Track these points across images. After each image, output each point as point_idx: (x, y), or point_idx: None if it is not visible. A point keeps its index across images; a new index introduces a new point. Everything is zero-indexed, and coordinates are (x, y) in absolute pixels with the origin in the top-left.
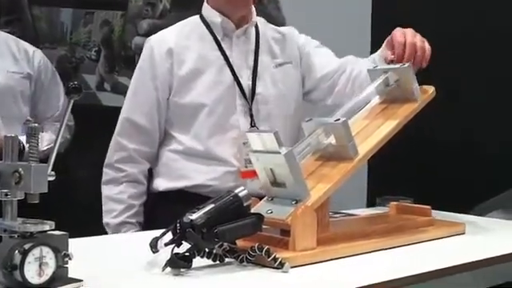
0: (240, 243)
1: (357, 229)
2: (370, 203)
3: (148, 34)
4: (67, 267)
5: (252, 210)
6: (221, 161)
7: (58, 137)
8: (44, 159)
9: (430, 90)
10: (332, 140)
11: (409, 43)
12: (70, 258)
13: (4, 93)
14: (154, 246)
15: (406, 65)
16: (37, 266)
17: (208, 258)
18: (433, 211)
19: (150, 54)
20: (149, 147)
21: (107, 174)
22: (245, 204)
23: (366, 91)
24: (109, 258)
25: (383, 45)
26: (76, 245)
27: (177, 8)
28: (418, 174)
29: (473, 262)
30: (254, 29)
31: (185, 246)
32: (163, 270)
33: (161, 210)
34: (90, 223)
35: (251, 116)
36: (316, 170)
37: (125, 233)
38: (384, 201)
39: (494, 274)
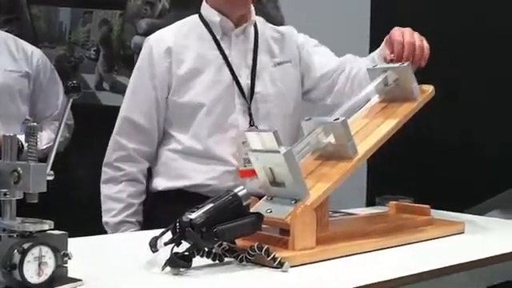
0: (239, 242)
1: (356, 228)
2: (370, 202)
3: (147, 33)
4: (66, 267)
5: (251, 210)
6: (220, 160)
7: (57, 136)
8: (43, 158)
9: (429, 89)
10: (331, 139)
11: (407, 42)
12: (69, 258)
13: (2, 91)
14: (153, 245)
15: (406, 64)
16: (36, 265)
17: (207, 257)
18: (432, 210)
19: (148, 53)
20: (148, 146)
21: (106, 173)
22: (244, 203)
23: (366, 90)
24: (108, 257)
25: (382, 44)
26: (75, 244)
27: (176, 7)
28: (417, 173)
29: (472, 262)
30: (252, 28)
31: (184, 246)
32: (163, 269)
33: (160, 209)
34: (90, 222)
35: (250, 115)
36: (315, 169)
37: (124, 232)
38: (383, 200)
39: (493, 274)
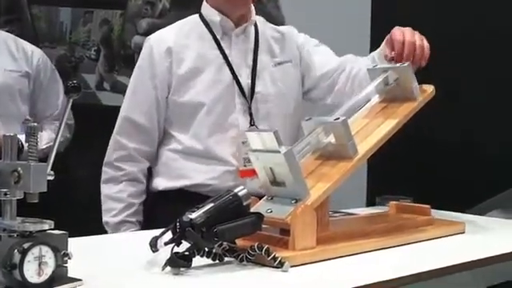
0: (239, 242)
1: (356, 228)
2: (370, 202)
3: (147, 33)
4: (66, 266)
5: (251, 210)
6: (220, 160)
7: (57, 135)
8: (43, 158)
9: (430, 89)
10: (332, 139)
11: (407, 42)
12: (69, 258)
13: (2, 91)
14: (153, 245)
15: (406, 64)
16: (36, 265)
17: (208, 257)
18: (432, 210)
19: (149, 53)
20: (148, 146)
21: (106, 172)
22: (244, 203)
23: (366, 90)
24: (108, 257)
25: (382, 44)
26: (75, 244)
27: (176, 7)
28: (417, 173)
29: (472, 261)
30: (253, 28)
31: (184, 246)
32: (163, 269)
33: (160, 209)
34: (90, 222)
35: (250, 115)
36: (316, 169)
37: (124, 232)
38: (383, 200)
39: (493, 273)
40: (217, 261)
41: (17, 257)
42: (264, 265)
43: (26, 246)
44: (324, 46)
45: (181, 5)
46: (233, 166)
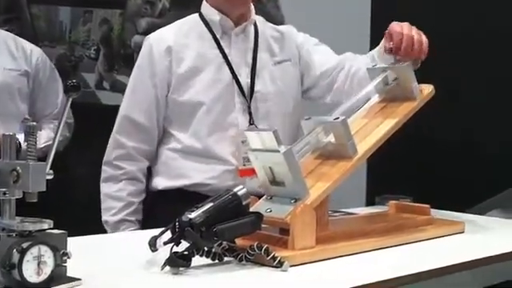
0: (239, 242)
1: (356, 227)
2: (369, 202)
3: (147, 32)
4: (66, 266)
5: (251, 209)
6: (219, 159)
7: (56, 134)
8: (42, 157)
9: (429, 88)
10: (331, 138)
11: (406, 35)
12: (68, 257)
13: (1, 90)
14: (152, 244)
15: (406, 64)
16: (35, 264)
17: (207, 256)
18: (432, 210)
19: (148, 52)
20: (148, 145)
21: (106, 171)
22: (244, 203)
23: (366, 90)
24: (107, 256)
25: (381, 42)
26: (75, 243)
27: (176, 7)
28: (417, 172)
29: (472, 261)
30: (252, 27)
31: (184, 245)
32: (162, 268)
33: (160, 208)
34: (89, 222)
35: (250, 114)
36: (315, 168)
37: (124, 230)
38: (383, 199)
39: (493, 273)
40: (216, 260)
41: (16, 256)
42: (263, 264)
43: (25, 245)
44: (323, 45)
45: (180, 4)
46: (232, 166)
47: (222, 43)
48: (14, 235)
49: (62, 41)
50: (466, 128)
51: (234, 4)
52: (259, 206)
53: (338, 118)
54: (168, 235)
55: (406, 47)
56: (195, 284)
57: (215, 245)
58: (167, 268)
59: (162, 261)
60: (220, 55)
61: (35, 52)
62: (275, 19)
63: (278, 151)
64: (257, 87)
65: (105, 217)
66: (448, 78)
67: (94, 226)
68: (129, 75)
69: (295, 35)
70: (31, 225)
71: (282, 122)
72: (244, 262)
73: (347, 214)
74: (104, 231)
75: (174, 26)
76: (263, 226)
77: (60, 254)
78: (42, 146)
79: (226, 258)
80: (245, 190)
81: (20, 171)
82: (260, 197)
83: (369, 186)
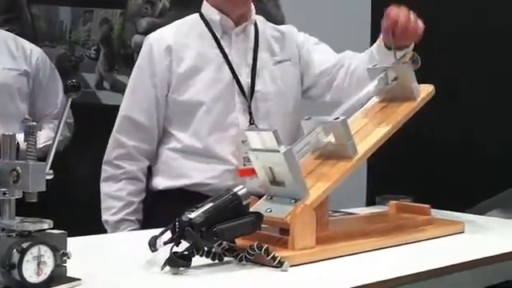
0: (239, 242)
1: (356, 228)
2: (370, 202)
3: (147, 32)
4: (65, 266)
5: (251, 209)
6: (220, 159)
7: (56, 134)
8: (42, 157)
9: (430, 88)
10: (331, 138)
11: (403, 14)
12: (68, 257)
13: (0, 90)
14: (152, 244)
15: (406, 64)
16: (35, 264)
17: (207, 256)
18: (432, 210)
19: (149, 52)
20: (148, 144)
21: (106, 171)
22: (244, 203)
23: (366, 89)
24: (107, 256)
25: (379, 37)
26: (74, 243)
27: (176, 7)
28: (417, 172)
29: (472, 261)
30: (253, 27)
31: (184, 245)
32: (162, 268)
33: (160, 208)
34: (89, 222)
35: (250, 114)
36: (315, 168)
37: (124, 230)
38: (383, 200)
39: (493, 273)
40: (216, 260)
41: (16, 256)
42: (263, 264)
43: (24, 245)
44: (323, 44)
45: (181, 4)
46: (232, 165)
47: (222, 43)
48: (14, 235)
49: (62, 41)
50: (465, 128)
51: (235, 4)
52: (259, 206)
53: (337, 118)
54: (168, 235)
55: (403, 24)
56: (195, 284)
57: (215, 245)
58: (167, 268)
59: (162, 261)
60: (220, 55)
61: (35, 52)
62: (275, 19)
63: (278, 151)
64: (257, 87)
65: (105, 216)
66: (448, 78)
67: (94, 226)
68: (129, 75)
69: (296, 35)
70: (31, 225)
71: (283, 121)
72: (244, 262)
73: (347, 214)
74: (104, 231)
75: (174, 26)
76: (263, 225)
77: (60, 254)
78: (42, 145)
79: (226, 258)
80: (245, 189)
81: (20, 171)
82: (260, 197)
83: (369, 186)
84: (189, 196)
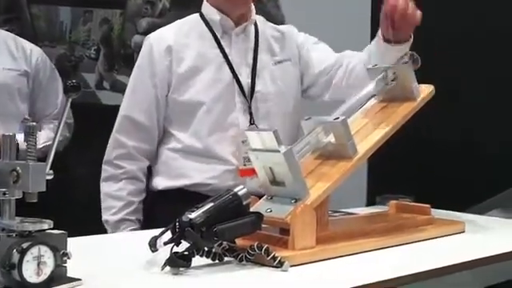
0: (239, 242)
1: (356, 227)
2: (370, 202)
3: (147, 32)
4: (66, 266)
5: (251, 209)
6: (220, 159)
7: (56, 134)
8: (42, 157)
9: (429, 88)
10: (331, 138)
11: (401, 1)
12: (68, 257)
13: (0, 90)
14: (153, 244)
15: (406, 64)
16: (35, 265)
17: (207, 257)
18: (432, 210)
19: (149, 52)
20: (148, 144)
21: (106, 170)
22: (244, 203)
23: (366, 89)
24: (108, 256)
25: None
26: (75, 244)
27: (176, 7)
28: (417, 172)
29: (472, 261)
30: (253, 27)
31: (184, 245)
32: (162, 269)
33: (160, 208)
34: (89, 222)
35: (250, 114)
36: (315, 168)
37: (124, 230)
38: (383, 199)
39: (493, 273)
40: (216, 260)
41: (16, 257)
42: (263, 264)
43: (24, 245)
44: (323, 44)
45: (181, 4)
46: (232, 165)
47: (222, 43)
48: (14, 235)
49: (62, 41)
50: (465, 128)
51: (235, 4)
52: (259, 206)
53: (337, 117)
54: (168, 235)
55: (401, 11)
56: (195, 284)
57: (215, 245)
58: (167, 268)
59: (162, 261)
60: (220, 55)
61: (35, 52)
62: (275, 19)
63: (279, 151)
64: (257, 87)
65: (105, 216)
66: (448, 78)
67: (94, 226)
68: (129, 75)
69: (296, 35)
70: (31, 225)
71: (283, 121)
72: (244, 262)
73: (347, 214)
74: (104, 231)
75: (175, 26)
76: (263, 225)
77: (60, 254)
78: (41, 146)
79: (226, 258)
80: (245, 189)
81: (20, 171)
82: (260, 197)
83: (369, 186)
84: (189, 196)
